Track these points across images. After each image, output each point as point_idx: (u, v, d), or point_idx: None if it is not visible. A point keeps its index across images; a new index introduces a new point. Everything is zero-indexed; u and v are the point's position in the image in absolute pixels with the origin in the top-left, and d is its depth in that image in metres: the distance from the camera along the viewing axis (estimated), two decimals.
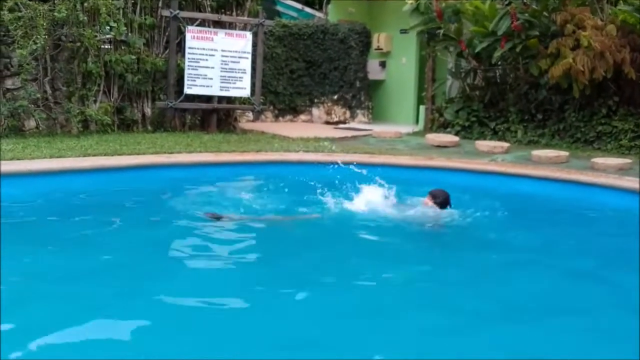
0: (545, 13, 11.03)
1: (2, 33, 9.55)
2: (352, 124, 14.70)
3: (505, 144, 10.44)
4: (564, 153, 9.49)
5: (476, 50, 11.44)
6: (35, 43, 9.39)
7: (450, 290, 4.22)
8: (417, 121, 13.99)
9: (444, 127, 12.50)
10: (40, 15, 9.45)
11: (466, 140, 11.42)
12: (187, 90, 11.20)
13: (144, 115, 11.15)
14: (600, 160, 8.79)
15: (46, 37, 9.61)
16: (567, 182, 7.85)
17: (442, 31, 11.71)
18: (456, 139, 11.15)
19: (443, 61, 13.54)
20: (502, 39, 10.91)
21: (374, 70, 15.67)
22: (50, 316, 3.45)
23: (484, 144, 10.48)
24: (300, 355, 3.15)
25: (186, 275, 4.44)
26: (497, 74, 12.44)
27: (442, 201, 5.98)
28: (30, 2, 9.48)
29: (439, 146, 10.77)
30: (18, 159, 7.43)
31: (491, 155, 9.92)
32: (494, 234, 5.87)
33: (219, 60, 11.42)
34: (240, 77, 11.68)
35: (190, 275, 4.44)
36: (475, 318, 3.72)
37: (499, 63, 11.83)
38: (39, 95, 9.81)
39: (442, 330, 3.51)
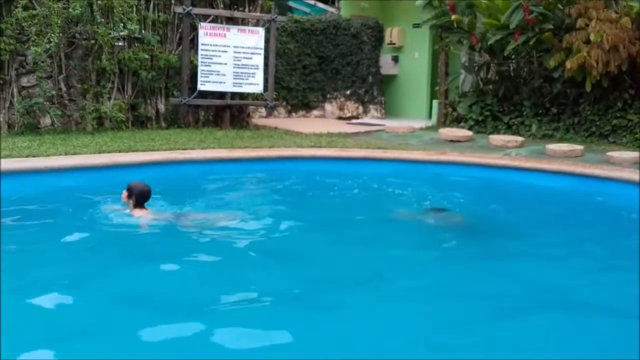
0: (559, 6, 10.94)
1: (17, 31, 9.63)
2: (365, 119, 14.69)
3: (520, 138, 10.38)
4: (578, 147, 9.42)
5: (489, 43, 11.38)
6: (50, 41, 9.46)
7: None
8: (430, 116, 13.94)
9: (457, 121, 12.45)
10: (54, 13, 9.51)
11: (480, 134, 11.37)
12: (201, 87, 11.24)
13: (157, 111, 11.20)
14: (615, 154, 8.71)
15: (60, 34, 9.67)
16: (583, 176, 7.79)
17: (455, 24, 11.65)
18: (469, 133, 11.10)
19: (456, 55, 13.48)
20: (515, 32, 10.84)
21: (386, 65, 15.63)
22: None
23: (497, 138, 10.43)
24: None
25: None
26: (511, 68, 12.36)
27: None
28: (45, 0, 9.54)
29: (452, 141, 10.73)
30: (34, 156, 7.50)
31: (505, 149, 9.86)
32: (511, 230, 5.86)
33: (231, 56, 11.45)
34: (253, 73, 11.70)
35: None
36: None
37: (513, 57, 11.75)
38: (54, 93, 9.89)
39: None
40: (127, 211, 5.42)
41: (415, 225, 5.89)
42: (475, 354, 3.19)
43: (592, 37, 9.88)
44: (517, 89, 12.09)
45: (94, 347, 3.10)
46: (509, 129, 11.66)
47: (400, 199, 7.35)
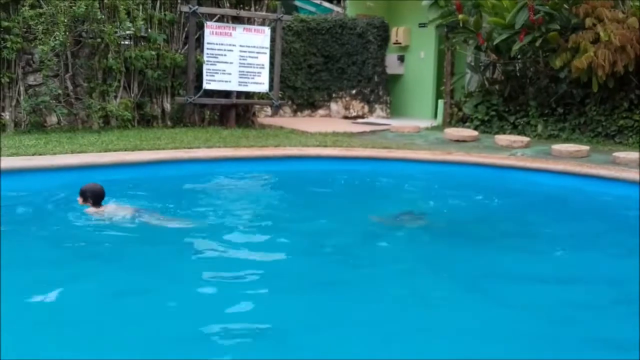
0: (565, 6, 10.90)
1: (24, 29, 9.66)
2: (371, 119, 14.69)
3: (525, 138, 10.37)
4: (584, 147, 9.39)
5: (495, 43, 11.36)
6: (56, 39, 9.49)
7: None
8: (435, 116, 13.93)
9: (462, 121, 12.44)
10: (60, 11, 9.54)
11: (485, 134, 11.36)
12: (206, 86, 11.26)
13: (163, 110, 11.22)
14: (621, 155, 8.68)
15: (67, 33, 9.70)
16: (589, 177, 7.77)
17: (461, 24, 11.63)
18: (475, 133, 11.08)
19: (462, 55, 13.47)
20: (521, 32, 10.82)
21: (392, 64, 15.62)
22: None
23: (503, 138, 10.41)
24: None
25: None
26: (517, 68, 12.33)
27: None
28: None
29: (457, 141, 10.72)
30: (40, 154, 7.54)
31: (511, 149, 9.85)
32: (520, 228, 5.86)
33: (237, 55, 11.47)
34: (258, 73, 11.72)
35: None
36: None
37: (519, 56, 11.73)
38: (60, 91, 9.93)
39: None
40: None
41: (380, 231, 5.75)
42: None
43: (601, 35, 9.85)
44: (523, 88, 12.07)
45: None
46: (515, 129, 11.65)
47: (397, 198, 7.36)
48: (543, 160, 8.80)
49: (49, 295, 3.78)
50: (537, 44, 10.79)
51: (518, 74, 12.33)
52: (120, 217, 5.38)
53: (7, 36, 9.49)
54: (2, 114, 9.69)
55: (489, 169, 8.45)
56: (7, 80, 9.65)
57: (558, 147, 9.41)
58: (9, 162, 6.97)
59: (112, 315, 3.52)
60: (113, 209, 5.50)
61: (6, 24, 9.49)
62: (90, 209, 5.45)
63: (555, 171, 8.09)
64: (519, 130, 11.51)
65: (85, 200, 5.46)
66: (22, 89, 9.82)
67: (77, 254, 4.72)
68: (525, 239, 5.60)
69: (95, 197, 5.45)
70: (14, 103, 9.79)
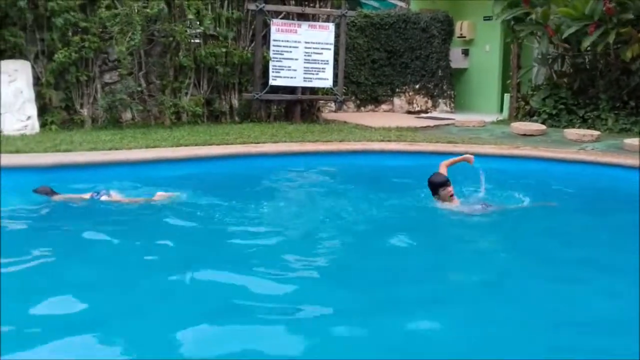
0: None
1: (100, 30, 10.10)
2: (434, 113, 14.62)
3: (595, 132, 10.14)
4: None
5: (564, 36, 11.11)
6: (132, 39, 9.87)
7: None
8: (501, 110, 13.75)
9: (529, 115, 12.24)
10: (135, 12, 9.92)
11: (553, 128, 11.15)
12: (272, 82, 11.48)
13: (231, 106, 11.52)
14: None
15: (141, 32, 10.09)
16: None
17: (530, 16, 11.42)
18: (543, 127, 10.90)
19: (529, 48, 13.24)
20: (591, 24, 10.53)
21: (456, 58, 15.49)
22: None
23: (572, 132, 10.21)
24: None
25: None
26: (587, 60, 12.03)
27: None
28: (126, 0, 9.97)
29: (524, 135, 10.57)
30: (117, 149, 7.90)
31: (580, 143, 9.65)
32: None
33: (302, 51, 11.64)
34: (323, 68, 11.86)
35: None
36: None
37: (589, 48, 11.44)
38: (137, 89, 10.34)
39: None
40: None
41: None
42: None
43: None
44: (592, 81, 11.78)
45: None
46: (584, 122, 11.38)
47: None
48: (615, 154, 8.60)
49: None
50: (610, 38, 10.41)
51: (588, 67, 12.03)
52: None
53: (85, 36, 9.95)
54: (81, 110, 10.17)
55: (558, 163, 8.31)
56: (85, 78, 10.13)
57: (630, 141, 9.16)
58: (88, 157, 7.36)
59: None
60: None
61: (84, 24, 9.97)
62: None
63: (627, 166, 7.89)
64: (589, 124, 11.24)
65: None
66: (98, 86, 10.29)
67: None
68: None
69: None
70: (91, 100, 10.26)
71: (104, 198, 5.75)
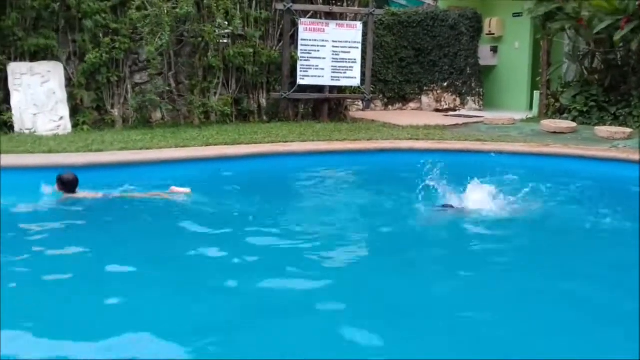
0: None
1: (131, 30, 10.24)
2: (463, 111, 14.52)
3: (627, 130, 9.97)
4: None
5: (595, 31, 10.92)
6: (161, 39, 9.99)
7: None
8: (530, 107, 13.60)
9: (559, 112, 12.08)
10: (165, 13, 10.03)
11: (584, 126, 10.99)
12: (300, 81, 11.52)
13: (259, 105, 11.59)
14: None
15: (171, 33, 10.19)
16: None
17: (564, 11, 11.21)
18: (573, 124, 10.76)
19: (559, 44, 13.06)
20: (623, 19, 10.36)
21: (485, 55, 15.35)
22: None
23: (603, 130, 10.06)
24: None
25: None
26: (618, 57, 11.84)
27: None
28: (156, 1, 10.08)
29: (554, 132, 10.44)
30: (147, 149, 8.01)
31: (612, 141, 9.51)
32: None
33: (330, 50, 11.66)
34: (350, 67, 11.86)
35: None
36: None
37: (621, 44, 11.24)
38: (167, 89, 10.47)
39: None
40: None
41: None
42: None
43: None
44: (625, 78, 11.58)
45: None
46: (616, 120, 11.20)
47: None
48: None
49: None
50: None
51: (619, 63, 11.83)
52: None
53: (115, 37, 10.10)
54: (111, 110, 10.33)
55: (589, 161, 8.20)
56: (116, 79, 10.28)
57: None
58: (119, 156, 7.48)
59: None
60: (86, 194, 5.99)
61: (115, 25, 10.11)
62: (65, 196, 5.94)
63: None
64: (621, 122, 11.05)
65: (61, 188, 5.95)
66: (129, 87, 10.43)
67: None
68: None
69: (72, 185, 5.95)
70: (122, 100, 10.41)
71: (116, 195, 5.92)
